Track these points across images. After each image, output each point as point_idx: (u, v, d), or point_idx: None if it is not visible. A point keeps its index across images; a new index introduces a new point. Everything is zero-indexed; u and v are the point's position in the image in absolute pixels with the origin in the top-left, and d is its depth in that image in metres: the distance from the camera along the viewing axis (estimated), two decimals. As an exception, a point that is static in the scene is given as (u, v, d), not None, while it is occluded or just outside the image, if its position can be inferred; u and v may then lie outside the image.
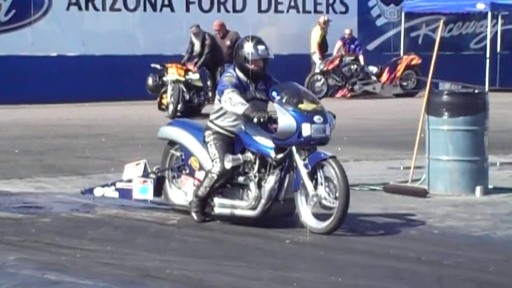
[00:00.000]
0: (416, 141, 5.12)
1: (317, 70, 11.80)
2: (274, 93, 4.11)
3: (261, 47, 4.19)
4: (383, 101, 11.61)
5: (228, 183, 4.22)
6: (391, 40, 13.61)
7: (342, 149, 6.05)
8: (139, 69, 10.36)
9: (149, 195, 4.51)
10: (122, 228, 4.13)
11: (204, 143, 4.28)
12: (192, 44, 9.99)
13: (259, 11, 12.72)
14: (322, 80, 11.66)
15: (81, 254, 3.60)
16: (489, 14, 12.75)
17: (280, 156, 4.06)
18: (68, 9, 11.64)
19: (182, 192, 4.45)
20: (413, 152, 5.12)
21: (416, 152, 5.10)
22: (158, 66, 9.70)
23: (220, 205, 4.23)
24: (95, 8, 11.78)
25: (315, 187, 3.97)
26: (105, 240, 3.86)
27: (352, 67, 11.86)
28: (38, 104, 10.62)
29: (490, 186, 5.03)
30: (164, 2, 12.16)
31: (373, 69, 11.99)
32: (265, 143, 4.10)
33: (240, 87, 4.17)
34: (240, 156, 4.14)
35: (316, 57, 12.05)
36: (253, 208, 4.12)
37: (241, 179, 4.18)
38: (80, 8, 11.69)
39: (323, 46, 12.18)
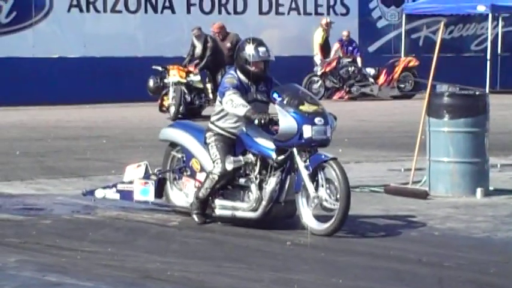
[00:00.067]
0: (417, 143, 5.12)
1: (318, 73, 11.80)
2: (275, 95, 4.12)
3: (261, 49, 4.20)
4: (383, 102, 11.61)
5: (229, 184, 4.22)
6: (392, 42, 13.61)
7: (343, 151, 6.04)
8: (140, 71, 10.37)
9: (150, 197, 4.51)
10: (123, 230, 4.14)
11: (205, 145, 4.28)
12: (193, 47, 9.96)
13: (260, 13, 12.73)
14: (320, 81, 11.65)
15: (82, 255, 3.60)
16: (490, 16, 12.75)
17: (281, 157, 4.07)
18: (69, 11, 11.65)
19: (183, 193, 4.45)
20: (414, 153, 5.12)
21: (417, 154, 5.10)
22: (160, 68, 9.70)
23: (221, 207, 4.23)
24: (96, 10, 11.79)
25: (316, 189, 3.98)
26: (106, 242, 3.86)
27: (349, 69, 11.86)
28: (38, 105, 10.62)
29: (491, 188, 5.03)
30: (165, 3, 12.17)
31: (371, 71, 11.98)
32: (266, 144, 4.11)
33: (241, 89, 4.18)
34: (241, 157, 4.15)
35: (318, 59, 12.05)
36: (254, 210, 4.12)
37: (242, 180, 4.18)
38: (81, 10, 11.71)
39: (325, 48, 12.18)
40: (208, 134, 4.27)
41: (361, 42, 13.16)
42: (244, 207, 4.15)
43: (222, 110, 4.22)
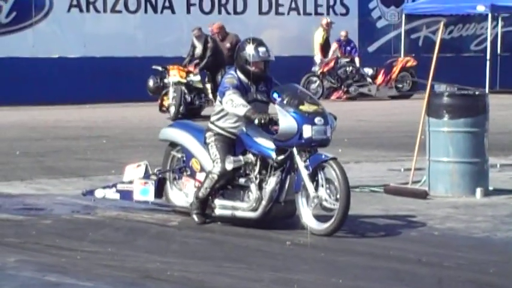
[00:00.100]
0: (417, 143, 5.12)
1: (317, 72, 11.80)
2: (275, 95, 4.12)
3: (262, 49, 4.20)
4: (381, 102, 11.60)
5: (228, 184, 4.22)
6: (392, 42, 13.61)
7: (343, 151, 6.04)
8: (140, 71, 10.36)
9: (150, 197, 4.51)
10: (123, 230, 4.14)
11: (205, 144, 4.28)
12: (193, 47, 9.93)
13: (260, 13, 12.73)
14: (318, 81, 11.63)
15: (82, 255, 3.60)
16: (489, 16, 12.73)
17: (281, 157, 4.07)
18: (68, 11, 11.65)
19: (183, 193, 4.45)
20: (414, 153, 5.12)
21: (417, 154, 5.10)
22: (160, 68, 9.68)
23: (221, 206, 4.23)
24: (96, 10, 11.78)
25: (316, 189, 3.98)
26: (106, 242, 3.86)
27: (347, 69, 11.84)
28: (38, 105, 10.61)
29: (491, 188, 5.03)
30: (165, 3, 12.17)
31: (369, 71, 11.97)
32: (266, 144, 4.11)
33: (241, 89, 4.18)
34: (241, 157, 4.14)
35: (318, 59, 12.04)
36: (254, 210, 4.12)
37: (242, 180, 4.18)
38: (80, 10, 11.70)
39: (325, 48, 12.16)
40: (208, 134, 4.27)
41: (360, 42, 13.17)
42: (244, 207, 4.15)
43: (222, 109, 4.22)
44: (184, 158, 4.45)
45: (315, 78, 11.66)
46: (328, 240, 3.91)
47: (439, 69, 5.35)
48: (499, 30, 13.97)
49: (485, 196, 4.90)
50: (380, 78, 12.02)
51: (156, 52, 11.59)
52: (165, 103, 9.65)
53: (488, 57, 12.56)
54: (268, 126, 4.08)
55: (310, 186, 3.98)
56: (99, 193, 4.60)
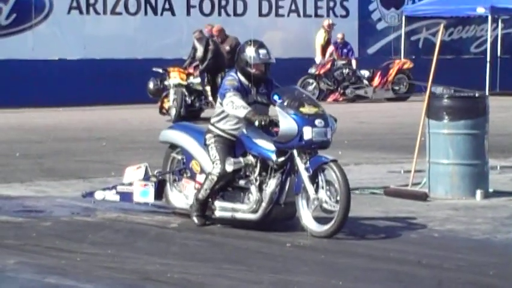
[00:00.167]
0: (417, 145, 5.12)
1: (315, 72, 11.80)
2: (275, 97, 4.12)
3: (262, 51, 4.20)
4: (379, 104, 11.62)
5: (228, 186, 4.22)
6: (392, 44, 13.62)
7: (343, 153, 6.04)
8: (140, 73, 10.36)
9: (150, 199, 4.51)
10: (123, 232, 4.14)
11: (205, 146, 4.28)
12: (194, 49, 9.91)
13: (260, 14, 12.74)
14: (314, 84, 11.62)
15: (82, 257, 3.60)
16: (489, 17, 12.74)
17: (281, 159, 4.07)
18: (68, 13, 11.66)
19: (183, 195, 4.45)
20: (414, 155, 5.12)
21: (417, 156, 5.10)
22: (160, 70, 9.69)
23: (221, 208, 4.23)
24: (96, 12, 11.80)
25: (316, 191, 3.98)
26: (106, 244, 3.86)
27: (344, 71, 11.84)
28: (38, 107, 10.61)
29: (491, 190, 5.03)
30: (165, 5, 12.18)
31: (365, 73, 11.97)
32: (266, 146, 4.11)
33: (242, 91, 4.18)
34: (241, 159, 4.15)
35: (318, 60, 12.04)
36: (254, 211, 4.12)
37: (242, 182, 4.18)
38: (80, 12, 11.71)
39: (326, 49, 12.15)
40: (208, 136, 4.28)
41: (360, 44, 13.18)
42: (244, 209, 4.15)
43: (223, 111, 4.22)
44: (184, 160, 4.46)
45: (311, 80, 11.66)
46: (328, 242, 3.91)
47: (439, 71, 5.35)
48: (499, 32, 13.99)
49: (485, 198, 4.90)
50: (376, 81, 12.03)
51: (156, 54, 11.60)
52: (166, 105, 9.65)
53: (488, 59, 12.57)
54: (269, 128, 4.09)
55: (310, 188, 3.98)
56: (98, 195, 4.60)
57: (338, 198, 3.93)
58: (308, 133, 4.00)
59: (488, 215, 4.50)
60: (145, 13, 12.10)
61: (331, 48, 12.08)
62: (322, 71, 11.77)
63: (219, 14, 12.43)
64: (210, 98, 9.57)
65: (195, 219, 4.28)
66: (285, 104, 4.06)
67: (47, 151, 7.04)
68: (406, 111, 10.21)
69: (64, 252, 3.69)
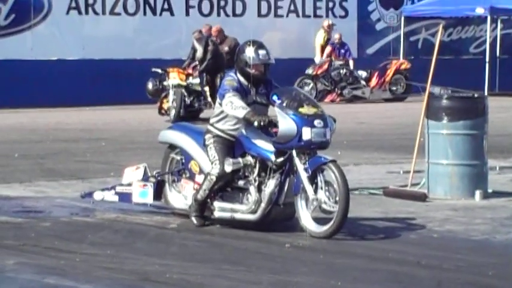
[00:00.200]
0: (416, 145, 5.12)
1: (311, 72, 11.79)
2: (274, 97, 4.12)
3: (262, 52, 4.20)
4: (377, 105, 11.61)
5: (228, 187, 4.22)
6: (391, 44, 13.63)
7: (342, 153, 6.06)
8: (139, 73, 10.36)
9: (149, 199, 4.51)
10: (122, 232, 4.13)
11: (204, 147, 4.28)
12: (194, 50, 9.91)
13: (259, 15, 12.74)
14: (311, 84, 11.61)
15: (81, 258, 3.60)
16: (488, 18, 12.74)
17: (280, 160, 4.07)
18: (67, 13, 11.65)
19: (182, 196, 4.45)
20: (413, 156, 5.13)
21: (416, 156, 5.10)
22: (159, 71, 9.69)
23: (220, 209, 4.23)
24: (95, 12, 11.80)
25: (315, 191, 3.98)
26: (105, 244, 3.86)
27: (341, 71, 11.84)
28: (37, 108, 10.60)
29: (490, 190, 5.03)
30: (164, 6, 12.18)
31: (363, 73, 11.97)
32: (265, 146, 4.11)
33: (241, 91, 4.18)
34: (240, 159, 4.15)
35: (318, 60, 12.04)
36: (253, 212, 4.12)
37: (241, 182, 4.18)
38: (79, 12, 11.71)
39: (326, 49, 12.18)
40: (207, 136, 4.28)
41: (360, 44, 13.18)
42: (243, 210, 4.15)
43: (222, 112, 4.22)
44: (184, 160, 4.46)
45: (308, 81, 11.64)
46: (327, 242, 3.91)
47: (439, 72, 5.35)
48: (498, 32, 14.00)
49: (485, 198, 4.90)
50: (374, 81, 12.03)
51: (155, 54, 11.60)
52: (165, 106, 9.65)
53: (487, 59, 12.58)
54: (268, 129, 4.09)
55: (309, 189, 3.98)
56: (98, 195, 4.60)
57: (337, 198, 3.93)
58: (307, 133, 4.00)
59: (488, 216, 4.51)
60: (144, 13, 12.10)
61: (328, 49, 12.09)
62: (319, 72, 11.77)
63: (218, 14, 12.43)
64: (209, 99, 9.57)
65: (194, 220, 4.28)
66: (284, 104, 4.07)
67: (46, 151, 7.04)
68: (404, 111, 10.21)
69: (63, 253, 3.69)
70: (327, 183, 3.97)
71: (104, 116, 10.14)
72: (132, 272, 3.38)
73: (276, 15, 12.87)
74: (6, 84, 11.03)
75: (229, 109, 4.13)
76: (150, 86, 9.74)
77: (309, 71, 11.69)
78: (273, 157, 4.08)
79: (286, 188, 4.08)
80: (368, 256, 3.68)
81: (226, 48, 10.40)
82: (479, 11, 12.58)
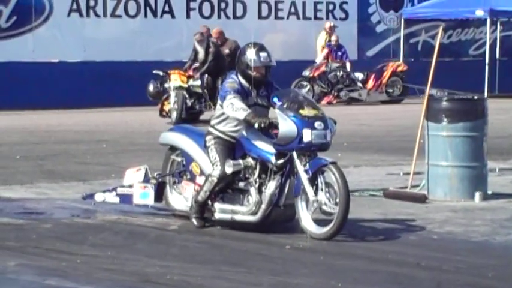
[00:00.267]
0: (416, 147, 5.13)
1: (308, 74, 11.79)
2: (275, 99, 4.14)
3: (263, 54, 4.22)
4: (374, 107, 11.63)
5: (228, 188, 4.24)
6: (391, 46, 13.65)
7: (342, 155, 6.06)
8: (140, 75, 10.38)
9: (150, 201, 4.53)
10: (123, 234, 4.15)
11: (205, 148, 4.30)
12: (195, 52, 9.91)
13: (260, 17, 12.77)
14: (308, 86, 11.62)
15: (82, 259, 3.61)
16: (488, 20, 12.76)
17: (280, 161, 4.08)
18: (68, 15, 11.68)
19: (183, 197, 4.46)
20: (413, 157, 5.14)
21: (416, 158, 5.11)
22: (161, 73, 9.69)
23: (221, 210, 4.24)
24: (96, 15, 11.82)
25: (316, 193, 3.99)
26: (106, 246, 3.88)
27: (338, 73, 11.85)
28: (38, 109, 10.62)
29: (489, 192, 5.04)
30: (165, 8, 12.20)
31: (359, 75, 11.98)
32: (266, 148, 4.12)
33: (242, 93, 4.19)
34: (240, 161, 4.16)
35: (319, 62, 12.06)
36: (254, 213, 4.13)
37: (241, 184, 4.19)
38: (80, 15, 11.73)
39: None
40: (208, 138, 4.29)
41: (360, 46, 13.19)
42: (243, 211, 4.17)
43: (223, 113, 4.24)
44: (184, 162, 4.47)
45: (305, 83, 11.65)
46: (328, 244, 3.92)
47: (438, 74, 5.37)
48: (498, 34, 14.01)
49: (484, 200, 4.92)
50: (370, 83, 12.03)
51: (156, 56, 11.62)
52: (166, 108, 9.66)
53: (487, 61, 12.59)
54: (268, 130, 4.10)
55: (309, 190, 3.99)
56: (99, 197, 4.61)
57: (337, 200, 3.94)
58: (307, 135, 4.01)
59: (487, 217, 4.52)
60: (145, 15, 12.12)
61: (325, 51, 12.11)
62: (316, 74, 11.78)
63: (219, 16, 12.46)
64: (210, 101, 9.58)
65: (195, 221, 4.29)
66: (285, 106, 4.08)
67: (47, 153, 7.04)
68: (402, 113, 10.21)
69: (64, 254, 3.70)
70: (327, 184, 3.98)
71: (105, 118, 10.14)
72: (132, 274, 3.39)
73: (276, 17, 12.89)
74: (8, 86, 11.04)
75: (230, 111, 4.15)
76: (151, 88, 9.76)
77: (306, 73, 11.71)
78: (273, 159, 4.10)
79: (286, 189, 4.10)
80: (368, 257, 3.69)
81: (227, 51, 10.41)
82: (479, 13, 12.60)
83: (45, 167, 6.30)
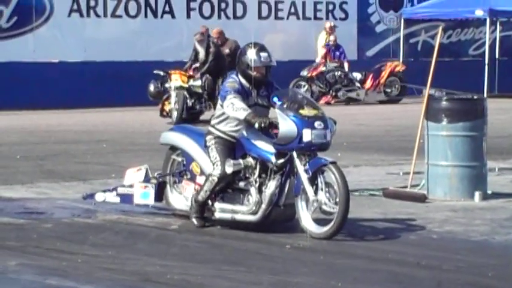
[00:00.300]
0: (416, 147, 5.14)
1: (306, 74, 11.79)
2: (275, 99, 4.15)
3: (263, 54, 4.22)
4: (372, 107, 11.62)
5: (228, 188, 4.24)
6: (391, 46, 13.66)
7: (342, 155, 6.07)
8: (140, 75, 10.39)
9: (150, 200, 4.54)
10: (123, 233, 4.16)
11: (205, 148, 4.31)
12: (195, 52, 9.91)
13: (260, 17, 12.78)
14: (306, 86, 11.62)
15: (82, 259, 3.62)
16: (487, 20, 12.77)
17: (280, 161, 4.09)
18: (69, 15, 11.69)
19: (183, 197, 4.47)
20: (413, 157, 5.15)
21: (416, 158, 5.12)
22: (161, 73, 9.70)
23: (221, 210, 4.25)
24: (96, 15, 11.83)
25: (315, 192, 4.00)
26: (106, 245, 3.88)
27: (336, 73, 11.85)
28: (39, 109, 10.63)
29: (489, 192, 5.05)
30: (165, 8, 12.21)
31: (357, 75, 11.98)
32: (266, 148, 4.13)
33: (243, 93, 4.20)
34: (241, 161, 4.17)
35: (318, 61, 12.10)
36: (254, 213, 4.14)
37: (242, 184, 4.20)
38: (81, 15, 11.75)
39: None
40: (208, 137, 4.30)
41: (360, 46, 13.20)
42: (243, 211, 4.18)
43: (223, 113, 4.24)
44: (185, 162, 4.48)
45: (303, 83, 11.64)
46: (328, 243, 3.93)
47: (438, 74, 5.38)
48: (497, 34, 14.02)
49: (484, 200, 4.92)
50: (368, 83, 12.03)
51: (156, 57, 11.63)
52: (166, 108, 9.67)
53: (486, 61, 12.60)
54: (268, 130, 4.11)
55: (309, 190, 4.00)
56: (99, 197, 4.62)
57: (337, 199, 3.95)
58: (307, 135, 4.02)
59: (487, 217, 4.53)
60: (146, 16, 12.13)
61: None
62: (314, 74, 11.78)
63: (219, 16, 12.47)
64: (209, 101, 9.58)
65: (195, 221, 4.30)
66: (285, 106, 4.09)
67: (48, 153, 7.05)
68: (401, 113, 10.23)
69: (65, 254, 3.71)
70: (327, 184, 3.99)
71: (105, 118, 10.14)
72: (133, 273, 3.40)
73: (276, 17, 12.90)
74: (8, 86, 11.05)
75: (231, 110, 4.15)
76: (151, 88, 9.76)
77: (304, 73, 11.71)
78: (273, 158, 4.10)
79: (286, 189, 4.10)
80: (368, 257, 3.70)
81: (227, 51, 10.42)
82: (479, 13, 12.61)
83: (45, 167, 6.31)
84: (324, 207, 3.98)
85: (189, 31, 11.14)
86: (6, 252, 3.74)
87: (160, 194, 4.52)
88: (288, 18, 12.98)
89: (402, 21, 13.29)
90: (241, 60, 4.25)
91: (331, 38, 12.11)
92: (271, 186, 4.10)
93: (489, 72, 12.54)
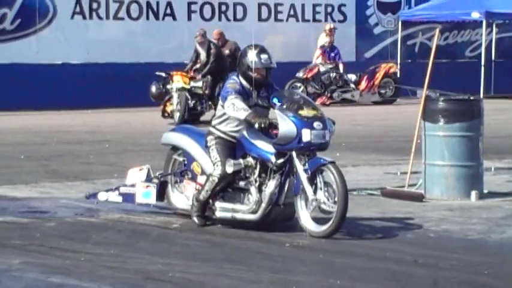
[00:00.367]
0: (413, 147, 5.17)
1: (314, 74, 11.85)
2: (275, 100, 4.19)
3: (264, 56, 4.27)
4: (368, 108, 11.64)
5: (229, 187, 4.28)
6: (388, 48, 13.72)
7: (340, 155, 6.10)
8: (142, 76, 10.44)
9: (152, 200, 4.58)
10: (125, 232, 4.19)
11: (206, 148, 4.35)
12: (196, 53, 9.94)
13: (260, 19, 12.83)
14: (302, 87, 11.66)
15: (85, 257, 3.66)
16: (484, 22, 12.79)
17: (280, 161, 4.13)
18: (72, 18, 11.74)
19: (184, 196, 4.51)
20: (410, 157, 5.18)
21: (413, 158, 5.16)
22: (163, 74, 9.74)
23: (222, 209, 4.29)
24: (99, 17, 11.88)
25: (315, 192, 4.04)
26: (109, 244, 3.92)
27: (331, 75, 11.89)
28: (42, 110, 10.67)
29: (485, 191, 5.09)
30: (166, 11, 12.27)
31: (352, 77, 12.03)
32: (266, 148, 4.17)
33: (243, 94, 4.25)
34: (241, 161, 4.21)
35: (319, 62, 12.14)
36: (254, 212, 4.18)
37: (242, 183, 4.24)
38: (84, 17, 11.79)
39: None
40: (209, 138, 4.34)
41: (358, 48, 13.26)
42: (244, 210, 4.21)
43: (224, 113, 4.29)
44: (186, 162, 4.52)
45: (299, 84, 11.68)
46: (326, 242, 3.96)
47: (435, 75, 5.43)
48: (494, 36, 14.06)
49: (480, 199, 4.96)
50: (363, 84, 12.07)
51: (158, 58, 11.67)
52: (168, 109, 9.71)
53: (483, 63, 12.63)
54: (268, 130, 4.15)
55: (309, 189, 4.04)
56: (102, 196, 4.67)
57: (336, 199, 3.99)
58: (307, 135, 4.06)
59: (483, 216, 4.56)
60: (147, 18, 12.18)
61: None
62: (309, 75, 11.81)
63: (219, 19, 12.52)
64: (210, 102, 9.64)
65: (196, 220, 4.34)
66: (284, 106, 4.13)
67: (51, 153, 7.08)
68: (396, 114, 10.26)
69: (68, 252, 3.74)
70: (326, 184, 4.03)
71: (108, 119, 10.16)
72: (135, 271, 3.44)
73: (276, 19, 12.95)
74: (12, 87, 11.09)
75: (231, 111, 4.20)
76: (153, 89, 9.80)
77: (300, 74, 11.74)
78: (273, 158, 4.14)
79: (286, 188, 4.14)
80: (366, 255, 3.73)
81: (227, 52, 10.46)
82: (475, 15, 12.64)
83: (49, 167, 6.33)
84: (322, 206, 4.02)
85: (190, 33, 11.19)
86: (10, 251, 3.78)
87: (161, 193, 4.56)
88: (287, 20, 13.02)
89: (400, 23, 13.32)
90: (242, 61, 4.30)
91: (327, 39, 12.14)
92: (271, 185, 4.14)
93: (485, 73, 12.57)
